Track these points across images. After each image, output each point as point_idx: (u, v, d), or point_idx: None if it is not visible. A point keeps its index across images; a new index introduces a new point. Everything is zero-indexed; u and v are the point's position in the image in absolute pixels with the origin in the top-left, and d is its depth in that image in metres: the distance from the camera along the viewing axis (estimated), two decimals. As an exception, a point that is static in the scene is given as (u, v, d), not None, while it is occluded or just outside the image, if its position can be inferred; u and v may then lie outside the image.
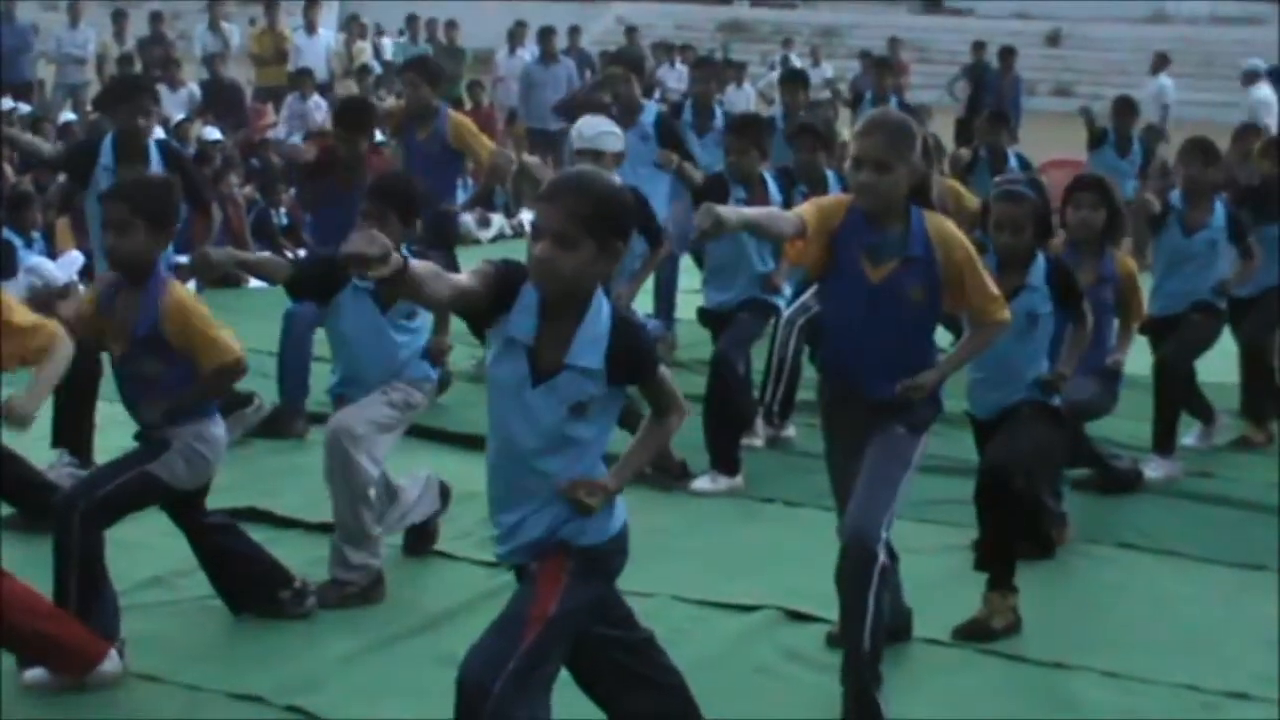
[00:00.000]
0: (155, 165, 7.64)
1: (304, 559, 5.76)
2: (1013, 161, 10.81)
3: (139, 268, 5.07)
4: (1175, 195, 7.94)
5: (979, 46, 21.26)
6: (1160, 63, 21.33)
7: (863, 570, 4.64)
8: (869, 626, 4.66)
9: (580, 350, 3.71)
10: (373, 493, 5.69)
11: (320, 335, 7.83)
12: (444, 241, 8.83)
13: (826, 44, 28.38)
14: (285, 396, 7.90)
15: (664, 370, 3.90)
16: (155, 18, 19.97)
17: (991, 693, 5.16)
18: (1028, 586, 5.66)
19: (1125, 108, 13.22)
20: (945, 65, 24.67)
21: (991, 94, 19.41)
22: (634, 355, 3.76)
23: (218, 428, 5.21)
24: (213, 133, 14.48)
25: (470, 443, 7.74)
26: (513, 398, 3.76)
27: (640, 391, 3.89)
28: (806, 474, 7.49)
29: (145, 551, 5.67)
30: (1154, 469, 7.53)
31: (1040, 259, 5.79)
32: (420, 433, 7.30)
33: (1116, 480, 7.25)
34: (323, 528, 6.01)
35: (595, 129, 7.18)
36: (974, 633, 5.50)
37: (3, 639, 4.75)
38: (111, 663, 4.88)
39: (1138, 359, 7.27)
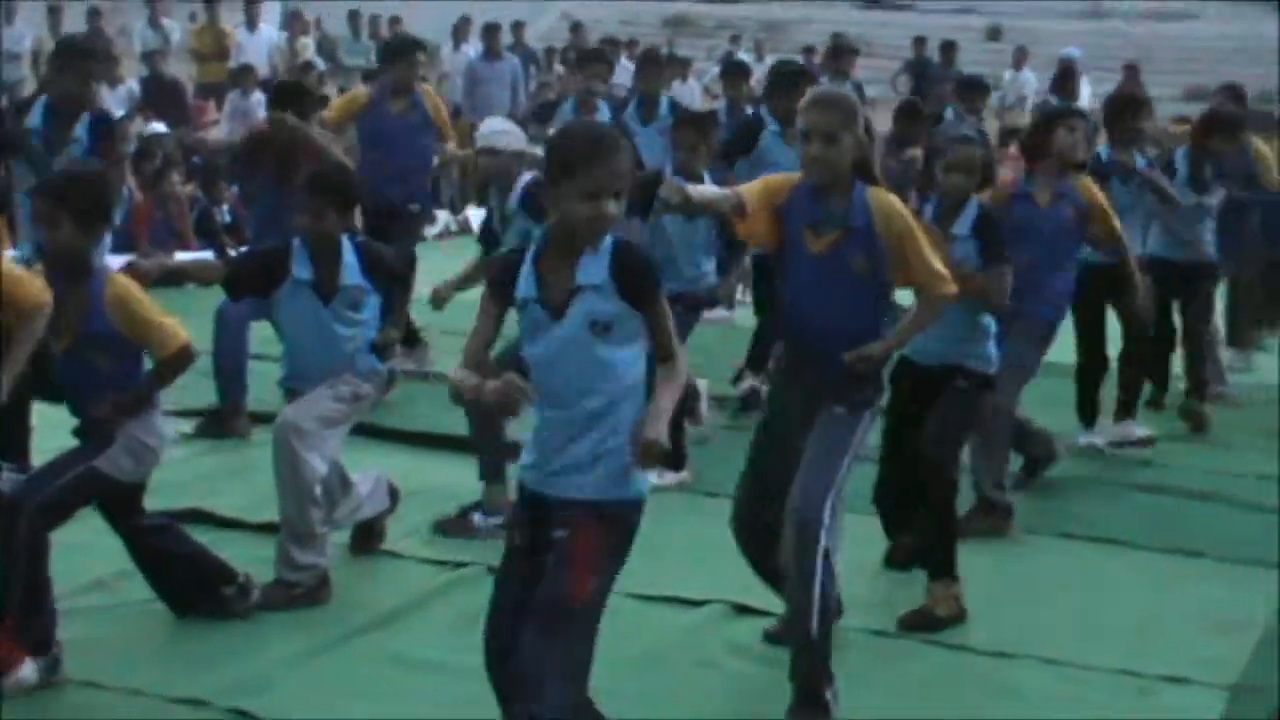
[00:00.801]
0: (84, 135, 7.56)
1: (247, 559, 5.73)
2: None
3: (72, 263, 5.04)
4: None
5: (920, 41, 21.37)
6: (1020, 56, 21.70)
7: (807, 549, 4.69)
8: (816, 615, 4.71)
9: (585, 273, 3.88)
10: (319, 490, 5.68)
11: (258, 331, 7.85)
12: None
13: (771, 39, 28.40)
14: (223, 395, 7.86)
15: (666, 303, 3.99)
16: (93, 13, 19.76)
17: (936, 682, 5.21)
18: (970, 576, 5.71)
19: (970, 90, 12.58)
20: (888, 60, 24.71)
21: (933, 88, 19.51)
22: (636, 271, 3.90)
23: (162, 421, 5.19)
24: (158, 126, 14.37)
25: (416, 440, 7.76)
26: (545, 347, 3.91)
27: (645, 324, 3.94)
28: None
29: (86, 554, 5.62)
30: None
31: (972, 205, 5.90)
32: (367, 431, 7.28)
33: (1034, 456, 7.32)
34: (266, 528, 5.99)
35: (491, 128, 7.29)
36: (919, 622, 5.55)
37: None
38: (28, 670, 4.83)
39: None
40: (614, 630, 5.48)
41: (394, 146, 9.29)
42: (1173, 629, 5.73)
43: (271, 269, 5.76)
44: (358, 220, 7.43)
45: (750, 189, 4.87)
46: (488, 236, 7.28)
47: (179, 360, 5.10)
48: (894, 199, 4.91)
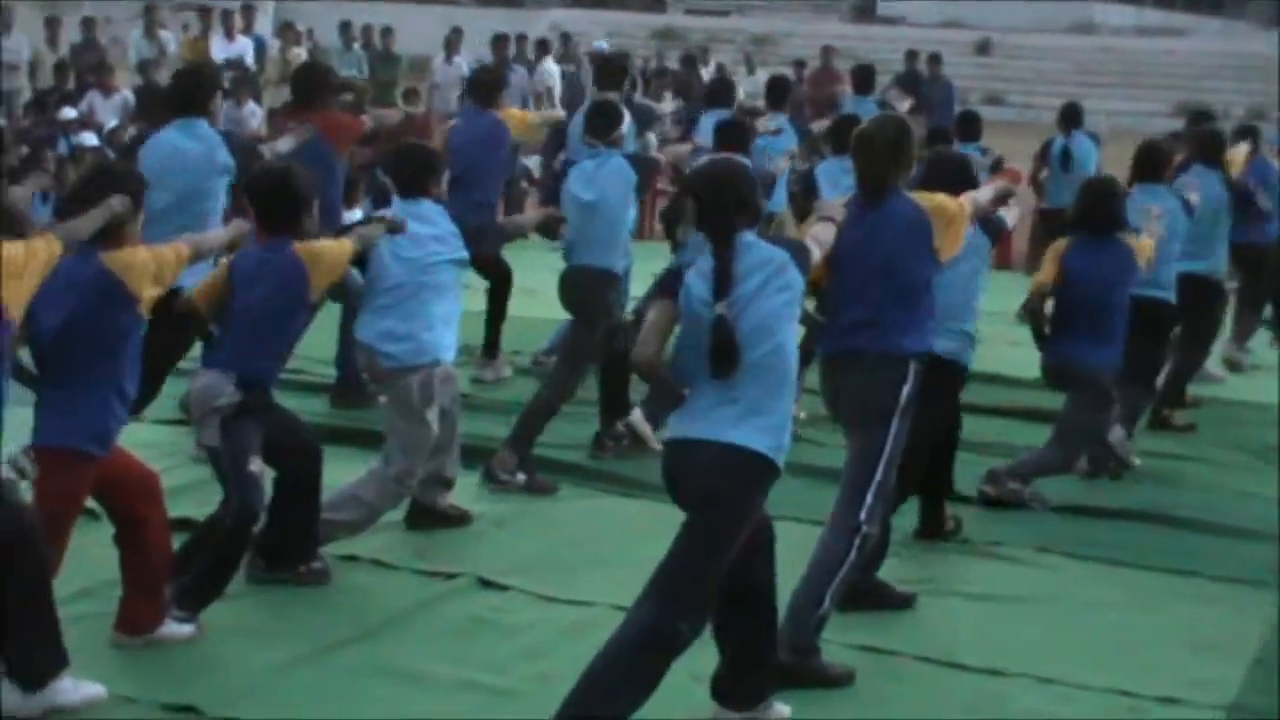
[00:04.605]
0: None
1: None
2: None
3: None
4: None
5: (912, 55, 21.38)
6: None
7: None
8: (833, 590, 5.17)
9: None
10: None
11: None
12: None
13: (759, 52, 28.43)
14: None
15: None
16: (88, 24, 19.74)
17: (926, 699, 5.20)
18: (961, 594, 5.70)
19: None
20: (878, 74, 24.80)
21: (923, 101, 19.53)
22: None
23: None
24: (89, 138, 14.33)
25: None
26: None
27: None
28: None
29: (75, 563, 5.59)
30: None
31: None
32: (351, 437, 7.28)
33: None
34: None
35: None
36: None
37: None
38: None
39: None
40: (602, 644, 5.50)
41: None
42: (1165, 649, 5.72)
43: None
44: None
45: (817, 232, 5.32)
46: None
47: None
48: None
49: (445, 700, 5.02)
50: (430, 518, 6.58)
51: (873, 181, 5.40)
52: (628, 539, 6.63)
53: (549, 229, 7.59)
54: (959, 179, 5.98)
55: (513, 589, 5.97)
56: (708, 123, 10.12)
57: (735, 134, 8.63)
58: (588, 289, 7.55)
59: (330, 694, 5.03)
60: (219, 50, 19.14)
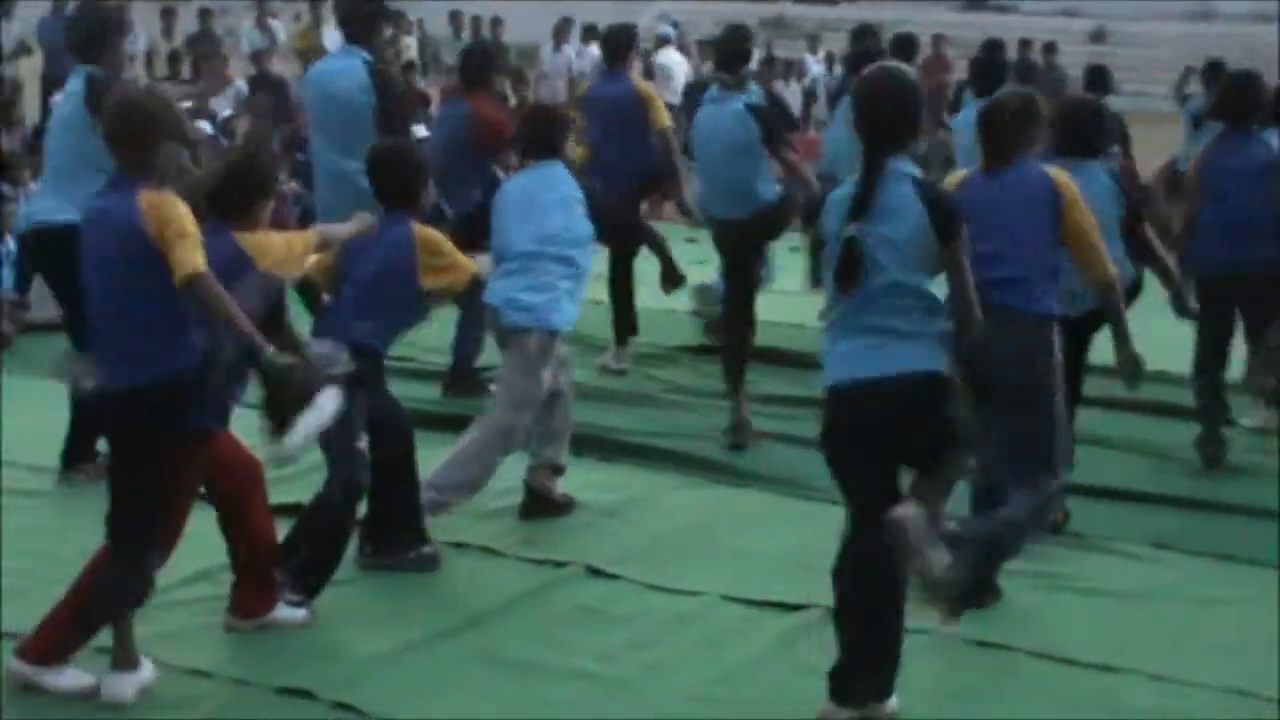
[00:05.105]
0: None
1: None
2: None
3: None
4: None
5: (1025, 44, 21.10)
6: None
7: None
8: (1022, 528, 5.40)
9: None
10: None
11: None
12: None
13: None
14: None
15: None
16: (204, 14, 20.03)
17: (1037, 695, 5.14)
18: (1073, 588, 5.63)
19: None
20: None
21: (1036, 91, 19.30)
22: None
23: None
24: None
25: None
26: None
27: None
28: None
29: (192, 545, 5.67)
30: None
31: None
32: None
33: None
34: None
35: None
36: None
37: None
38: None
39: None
40: (711, 634, 5.51)
41: None
42: (1281, 646, 5.60)
43: None
44: None
45: None
46: None
47: None
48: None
49: (555, 689, 5.04)
50: (543, 505, 6.61)
51: (1001, 149, 5.56)
52: (737, 529, 6.63)
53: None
54: (1095, 127, 6.11)
55: (621, 578, 5.98)
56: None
57: None
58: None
59: (441, 681, 5.07)
60: (330, 40, 19.33)
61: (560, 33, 20.41)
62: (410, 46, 20.36)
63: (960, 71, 23.36)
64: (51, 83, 14.53)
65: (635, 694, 5.01)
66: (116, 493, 4.78)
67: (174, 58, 18.42)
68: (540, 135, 6.53)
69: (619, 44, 9.37)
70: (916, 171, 4.65)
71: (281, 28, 19.87)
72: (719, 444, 7.74)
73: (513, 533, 6.45)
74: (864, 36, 11.55)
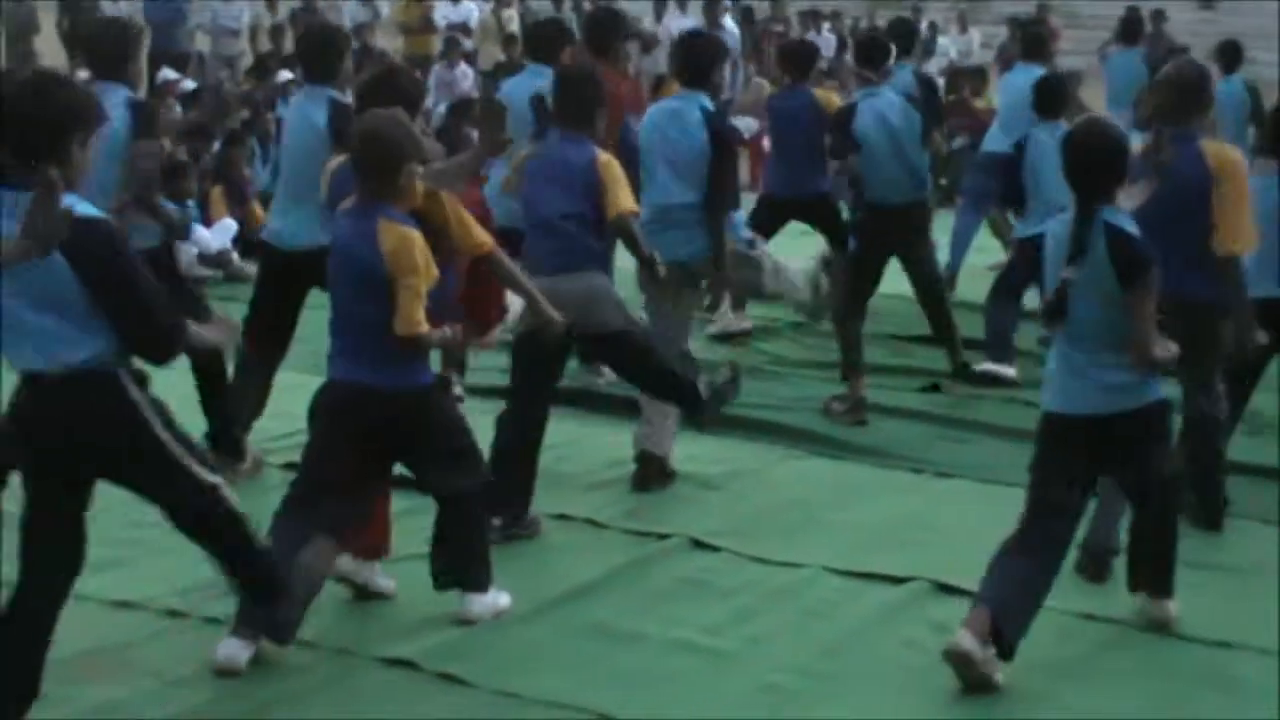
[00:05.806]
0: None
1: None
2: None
3: None
4: None
5: (1133, 10, 20.73)
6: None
7: None
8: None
9: None
10: None
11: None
12: None
13: (972, 10, 27.84)
14: None
15: None
16: (308, -11, 20.22)
17: (1148, 671, 5.06)
18: (1187, 562, 5.51)
19: None
20: (1095, 31, 24.07)
21: (1145, 59, 18.95)
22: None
23: None
24: None
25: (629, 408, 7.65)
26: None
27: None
28: (958, 444, 7.42)
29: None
30: None
31: None
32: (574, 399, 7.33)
33: None
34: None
35: None
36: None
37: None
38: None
39: None
40: (814, 606, 5.47)
41: None
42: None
43: None
44: None
45: None
46: None
47: None
48: None
49: (659, 661, 5.03)
50: (661, 478, 6.63)
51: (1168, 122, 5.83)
52: (840, 502, 6.59)
53: None
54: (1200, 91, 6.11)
55: (724, 550, 5.96)
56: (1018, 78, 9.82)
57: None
58: None
59: (545, 652, 5.08)
60: (441, 14, 19.40)
61: (663, 1, 20.33)
62: (512, 19, 20.40)
63: (1067, 41, 23.05)
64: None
65: (739, 666, 4.99)
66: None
67: (277, 31, 18.58)
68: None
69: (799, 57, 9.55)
70: (1122, 220, 4.90)
71: (384, 2, 19.99)
72: (822, 416, 7.69)
73: (616, 504, 6.45)
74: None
